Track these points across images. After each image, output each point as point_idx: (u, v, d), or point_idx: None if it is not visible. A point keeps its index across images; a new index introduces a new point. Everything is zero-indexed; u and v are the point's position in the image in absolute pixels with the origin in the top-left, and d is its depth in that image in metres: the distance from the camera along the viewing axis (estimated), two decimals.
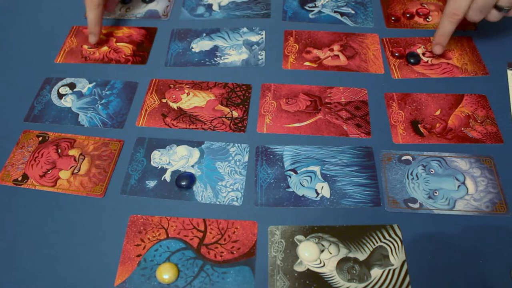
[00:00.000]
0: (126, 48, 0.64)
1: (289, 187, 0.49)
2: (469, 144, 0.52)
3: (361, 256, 0.44)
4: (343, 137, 0.53)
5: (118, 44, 0.64)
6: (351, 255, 0.44)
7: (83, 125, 0.55)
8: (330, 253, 0.44)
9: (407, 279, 0.42)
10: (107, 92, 0.58)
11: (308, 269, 0.43)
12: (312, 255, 0.44)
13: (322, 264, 0.43)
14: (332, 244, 0.45)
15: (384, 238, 0.45)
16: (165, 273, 0.43)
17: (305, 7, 0.69)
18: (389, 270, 0.43)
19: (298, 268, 0.43)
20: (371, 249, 0.44)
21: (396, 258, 0.44)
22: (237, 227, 0.46)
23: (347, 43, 0.63)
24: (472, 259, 0.44)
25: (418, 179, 0.49)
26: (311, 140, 0.53)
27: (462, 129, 0.53)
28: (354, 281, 0.42)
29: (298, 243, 0.45)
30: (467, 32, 0.64)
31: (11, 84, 0.60)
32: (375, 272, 0.43)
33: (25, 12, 0.71)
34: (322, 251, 0.44)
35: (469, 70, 0.59)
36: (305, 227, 0.46)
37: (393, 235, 0.45)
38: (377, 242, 0.45)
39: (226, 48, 0.63)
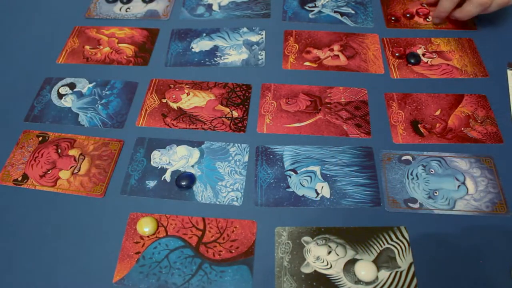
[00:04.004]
0: (128, 49, 0.64)
1: (289, 187, 0.49)
2: (469, 144, 0.52)
3: (368, 258, 0.44)
4: (343, 137, 0.53)
5: (120, 45, 0.65)
6: (358, 256, 0.44)
7: (83, 125, 0.55)
8: (337, 255, 0.44)
9: (414, 281, 0.42)
10: (107, 92, 0.59)
11: (315, 271, 0.43)
12: (369, 273, 0.43)
13: (329, 266, 0.43)
14: (339, 246, 0.45)
15: (391, 240, 0.45)
16: (145, 226, 0.45)
17: (305, 7, 0.69)
18: (396, 272, 0.43)
19: (305, 270, 0.43)
20: (378, 251, 0.44)
21: (403, 260, 0.44)
22: (236, 226, 0.46)
23: (347, 43, 0.63)
24: (472, 259, 0.44)
25: (418, 179, 0.49)
26: (311, 140, 0.53)
27: (462, 129, 0.53)
28: (361, 283, 0.42)
29: (305, 244, 0.45)
30: (467, 32, 0.64)
31: (11, 84, 0.60)
32: (382, 274, 0.43)
33: (26, 12, 0.71)
34: (329, 252, 0.44)
35: (469, 72, 0.59)
36: (312, 228, 0.46)
37: (400, 237, 0.45)
38: (384, 244, 0.45)
39: (226, 48, 0.63)
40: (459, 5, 0.61)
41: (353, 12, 0.67)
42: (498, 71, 0.59)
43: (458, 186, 0.48)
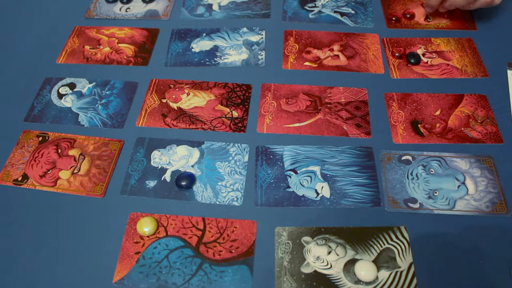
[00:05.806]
0: (128, 49, 0.64)
1: (289, 187, 0.49)
2: (469, 144, 0.52)
3: (368, 258, 0.44)
4: (343, 137, 0.53)
5: (120, 45, 0.65)
6: (358, 256, 0.44)
7: (83, 125, 0.55)
8: (337, 255, 0.44)
9: (414, 281, 0.42)
10: (107, 92, 0.59)
11: (315, 271, 0.43)
12: (369, 273, 0.43)
13: (329, 266, 0.43)
14: (339, 246, 0.45)
15: (391, 240, 0.45)
16: (145, 226, 0.46)
17: (305, 7, 0.69)
18: (396, 272, 0.43)
19: (305, 270, 0.43)
20: (378, 251, 0.44)
21: (403, 260, 0.44)
22: (236, 226, 0.46)
23: (347, 43, 0.63)
24: (472, 259, 0.44)
25: (418, 179, 0.49)
26: (311, 140, 0.53)
27: (462, 129, 0.53)
28: (361, 283, 0.42)
29: (305, 244, 0.45)
30: (467, 32, 0.64)
31: (11, 84, 0.60)
32: (382, 274, 0.43)
33: (26, 12, 0.71)
34: (329, 252, 0.44)
35: (469, 72, 0.59)
36: (312, 228, 0.46)
37: (400, 237, 0.45)
38: (384, 244, 0.45)
39: (226, 48, 0.63)
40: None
41: (353, 12, 0.67)
42: (498, 71, 0.59)
43: (458, 186, 0.48)
